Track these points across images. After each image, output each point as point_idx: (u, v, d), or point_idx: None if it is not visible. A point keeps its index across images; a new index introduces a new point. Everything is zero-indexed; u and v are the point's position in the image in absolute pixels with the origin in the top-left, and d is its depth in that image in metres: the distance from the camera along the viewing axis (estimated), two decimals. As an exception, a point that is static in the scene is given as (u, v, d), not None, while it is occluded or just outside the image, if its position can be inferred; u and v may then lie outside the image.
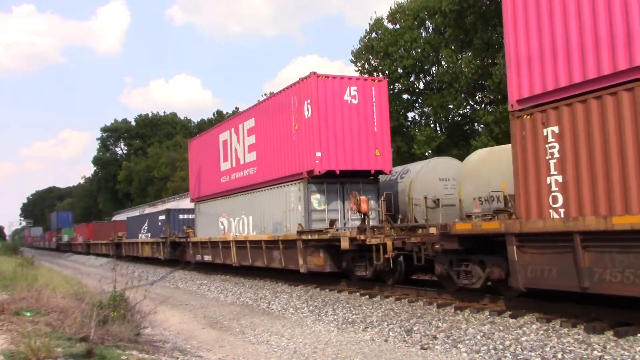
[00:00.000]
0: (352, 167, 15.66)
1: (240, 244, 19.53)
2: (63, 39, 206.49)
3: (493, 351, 7.94)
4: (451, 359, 7.94)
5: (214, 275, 22.86)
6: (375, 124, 15.97)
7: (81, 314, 7.94)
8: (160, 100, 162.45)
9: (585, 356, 7.22)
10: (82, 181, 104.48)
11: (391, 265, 12.67)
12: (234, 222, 20.28)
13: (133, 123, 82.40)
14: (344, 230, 14.70)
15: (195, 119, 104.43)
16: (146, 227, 33.72)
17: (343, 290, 14.47)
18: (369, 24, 34.08)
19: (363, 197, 13.84)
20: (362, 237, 13.08)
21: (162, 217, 30.71)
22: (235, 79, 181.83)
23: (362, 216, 13.93)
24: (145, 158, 69.55)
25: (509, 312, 9.87)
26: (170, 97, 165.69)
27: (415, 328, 9.67)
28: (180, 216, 29.84)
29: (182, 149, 63.43)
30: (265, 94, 42.65)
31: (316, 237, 14.78)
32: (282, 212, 16.72)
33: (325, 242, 14.53)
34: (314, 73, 15.64)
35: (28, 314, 8.73)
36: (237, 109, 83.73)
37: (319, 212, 15.58)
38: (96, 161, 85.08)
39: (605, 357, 7.11)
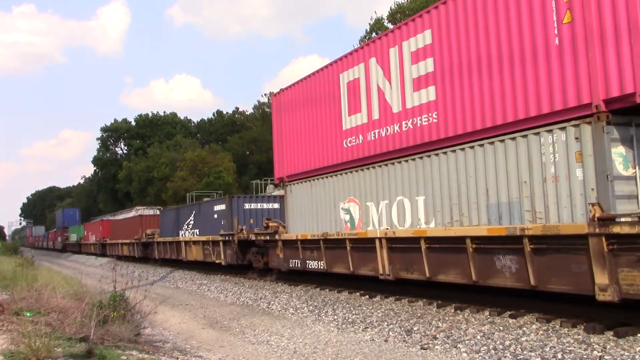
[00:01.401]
0: None
1: (400, 244, 11.93)
2: (63, 39, 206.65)
3: (493, 351, 7.94)
4: (451, 359, 7.94)
5: (213, 275, 22.85)
6: None
7: (81, 314, 7.95)
8: (160, 100, 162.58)
9: (585, 356, 7.22)
10: (82, 181, 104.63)
11: None
12: (376, 209, 12.85)
13: (133, 123, 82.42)
14: None
15: (195, 118, 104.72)
16: (192, 222, 26.05)
17: (343, 291, 14.46)
18: (369, 24, 34.17)
19: None
20: None
21: (219, 207, 22.66)
22: (236, 79, 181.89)
23: None
24: (145, 158, 69.53)
25: (509, 312, 9.87)
26: (170, 97, 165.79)
27: (415, 328, 9.67)
28: (247, 205, 21.83)
29: (182, 149, 63.53)
30: (265, 94, 42.47)
31: None
32: (521, 184, 9.36)
33: None
34: None
35: (28, 314, 8.74)
36: (237, 108, 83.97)
37: (624, 181, 8.30)
38: (96, 161, 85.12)
39: (605, 357, 7.10)
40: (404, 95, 11.92)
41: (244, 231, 19.98)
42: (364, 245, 12.99)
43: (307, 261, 15.40)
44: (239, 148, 68.31)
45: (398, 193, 12.08)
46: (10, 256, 31.57)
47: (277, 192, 23.84)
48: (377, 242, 12.49)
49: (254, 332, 10.73)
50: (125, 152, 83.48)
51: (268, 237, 17.69)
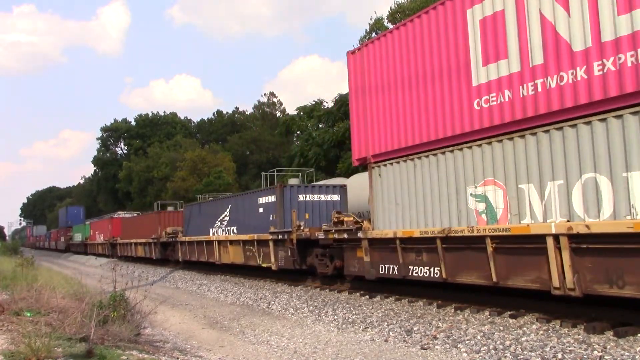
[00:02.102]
0: None
1: (596, 243, 8.04)
2: (63, 39, 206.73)
3: (493, 351, 7.94)
4: (451, 359, 7.94)
5: (213, 275, 22.84)
6: None
7: (81, 314, 7.95)
8: (160, 100, 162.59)
9: (585, 356, 7.21)
10: (82, 181, 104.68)
11: None
12: (538, 194, 8.94)
13: (133, 123, 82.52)
14: None
15: (195, 118, 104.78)
16: (227, 217, 21.96)
17: (343, 291, 14.46)
18: (369, 23, 34.14)
19: None
20: None
21: (266, 200, 18.73)
22: (236, 79, 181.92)
23: None
24: (145, 158, 69.57)
25: (509, 312, 9.87)
26: (170, 97, 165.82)
27: (415, 328, 9.67)
28: (302, 197, 18.01)
29: (182, 149, 63.57)
30: (265, 94, 42.53)
31: None
32: None
33: None
34: None
35: (28, 314, 8.74)
36: (237, 108, 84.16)
37: None
38: (96, 161, 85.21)
39: (606, 357, 7.10)
40: (596, 23, 8.16)
41: (303, 228, 16.06)
42: (522, 245, 9.08)
43: (411, 267, 11.56)
44: (239, 148, 68.37)
45: (586, 169, 8.20)
46: (10, 256, 31.55)
47: (335, 181, 20.99)
48: (549, 241, 8.48)
49: (254, 332, 10.73)
50: (125, 152, 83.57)
51: (346, 235, 13.45)
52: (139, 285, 12.75)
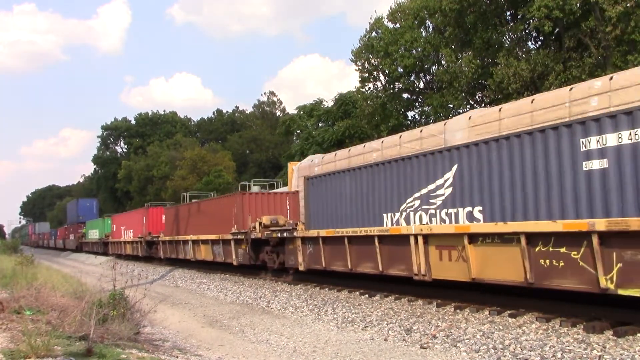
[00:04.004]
0: None
1: None
2: (64, 37, 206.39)
3: (492, 350, 7.94)
4: (451, 358, 7.94)
5: (213, 274, 22.84)
6: None
7: (81, 312, 7.94)
8: (161, 99, 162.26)
9: (584, 356, 7.22)
10: (81, 180, 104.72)
11: None
12: None
13: (133, 122, 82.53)
14: None
15: (195, 117, 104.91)
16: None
17: (342, 289, 14.46)
18: (369, 23, 34.10)
19: None
20: None
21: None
22: (236, 78, 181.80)
23: None
24: (145, 157, 69.58)
25: (508, 312, 9.88)
26: (170, 96, 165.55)
27: (414, 327, 9.67)
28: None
29: (182, 148, 63.58)
30: (265, 93, 42.66)
31: None
32: None
33: None
34: None
35: (28, 312, 8.74)
36: (237, 107, 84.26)
37: None
38: (96, 160, 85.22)
39: (605, 356, 7.11)
40: None
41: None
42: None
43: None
44: (239, 147, 68.41)
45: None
46: (10, 255, 31.53)
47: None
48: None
49: (254, 331, 10.74)
50: (125, 150, 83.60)
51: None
52: (139, 283, 12.76)
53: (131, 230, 34.91)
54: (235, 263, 20.30)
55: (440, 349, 8.43)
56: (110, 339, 7.27)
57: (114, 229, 39.86)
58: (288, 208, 20.37)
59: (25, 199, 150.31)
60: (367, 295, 13.36)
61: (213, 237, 22.01)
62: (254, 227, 18.45)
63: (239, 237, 19.50)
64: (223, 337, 10.33)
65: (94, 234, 46.15)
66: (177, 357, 7.79)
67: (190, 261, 25.21)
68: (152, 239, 30.57)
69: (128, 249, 35.78)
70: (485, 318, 9.80)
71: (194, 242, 24.25)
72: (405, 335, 9.37)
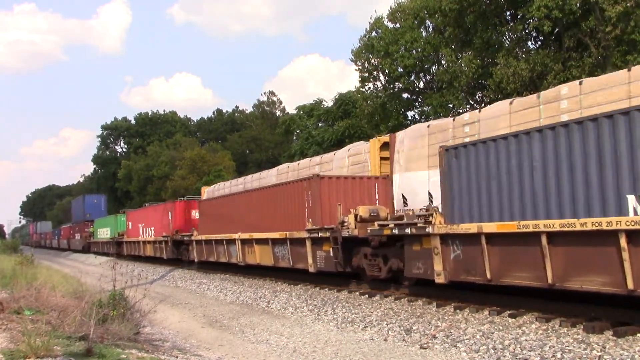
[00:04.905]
0: None
1: None
2: (64, 37, 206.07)
3: (492, 350, 7.95)
4: (450, 359, 7.95)
5: (213, 274, 22.84)
6: None
7: (80, 312, 7.95)
8: (161, 99, 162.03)
9: (584, 356, 7.22)
10: (81, 179, 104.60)
11: None
12: None
13: (133, 121, 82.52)
14: None
15: (196, 117, 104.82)
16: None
17: (342, 290, 14.46)
18: (369, 23, 34.09)
19: None
20: None
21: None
22: (236, 78, 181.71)
23: None
24: (144, 156, 69.55)
25: (508, 312, 9.88)
26: (170, 96, 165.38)
27: (414, 327, 9.67)
28: None
29: (182, 148, 63.55)
30: (265, 93, 42.70)
31: None
32: None
33: None
34: None
35: (28, 312, 8.74)
36: (237, 107, 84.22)
37: None
38: (96, 160, 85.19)
39: (605, 356, 7.11)
40: None
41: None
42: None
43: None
44: (239, 147, 68.40)
45: None
46: (10, 255, 31.50)
47: None
48: None
49: (254, 331, 10.74)
50: (125, 150, 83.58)
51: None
52: (139, 284, 12.74)
53: (152, 228, 29.69)
54: (312, 269, 15.45)
55: (440, 349, 8.43)
56: (110, 339, 7.27)
57: (130, 227, 34.39)
58: (377, 197, 15.92)
59: (25, 199, 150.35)
60: (367, 296, 13.36)
61: (275, 235, 17.00)
62: (346, 222, 13.74)
63: (320, 234, 14.69)
64: (223, 337, 10.33)
65: (104, 233, 41.03)
66: (176, 357, 7.79)
67: (237, 266, 20.04)
68: (182, 238, 25.40)
69: (148, 249, 30.37)
70: (485, 318, 9.80)
71: (244, 242, 19.23)
72: (405, 335, 9.37)
